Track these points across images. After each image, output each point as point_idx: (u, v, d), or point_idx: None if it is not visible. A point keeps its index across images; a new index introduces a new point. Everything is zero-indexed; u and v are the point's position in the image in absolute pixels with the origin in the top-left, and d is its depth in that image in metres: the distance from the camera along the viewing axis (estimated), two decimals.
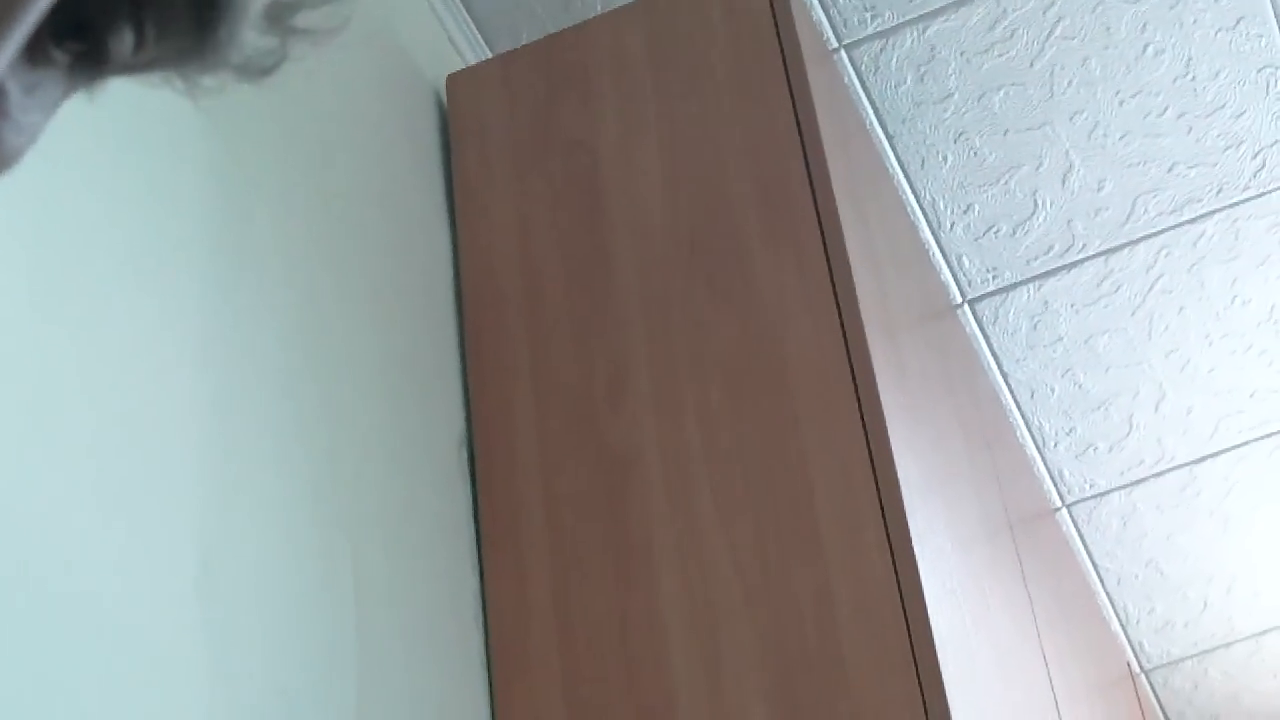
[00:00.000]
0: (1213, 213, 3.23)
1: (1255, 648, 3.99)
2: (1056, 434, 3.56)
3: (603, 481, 2.17)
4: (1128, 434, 3.57)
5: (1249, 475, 3.65)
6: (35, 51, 0.50)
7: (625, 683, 2.05)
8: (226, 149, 1.95)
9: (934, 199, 3.16)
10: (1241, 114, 3.08)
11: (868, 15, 2.90)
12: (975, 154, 3.10)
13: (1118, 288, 3.33)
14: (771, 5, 2.45)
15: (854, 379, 2.12)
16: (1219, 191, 3.20)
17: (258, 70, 0.59)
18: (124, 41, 0.51)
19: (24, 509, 1.45)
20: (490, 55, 2.82)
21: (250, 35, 0.53)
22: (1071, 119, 3.06)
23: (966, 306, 3.33)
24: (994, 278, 3.29)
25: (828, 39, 2.91)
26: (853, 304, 2.16)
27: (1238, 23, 2.95)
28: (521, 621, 2.13)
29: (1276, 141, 3.13)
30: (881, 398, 2.10)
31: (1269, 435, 3.59)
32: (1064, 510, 3.69)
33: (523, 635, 2.12)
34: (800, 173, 2.28)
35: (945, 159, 3.10)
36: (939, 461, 2.34)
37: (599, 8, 2.83)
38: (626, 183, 2.37)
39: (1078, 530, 3.73)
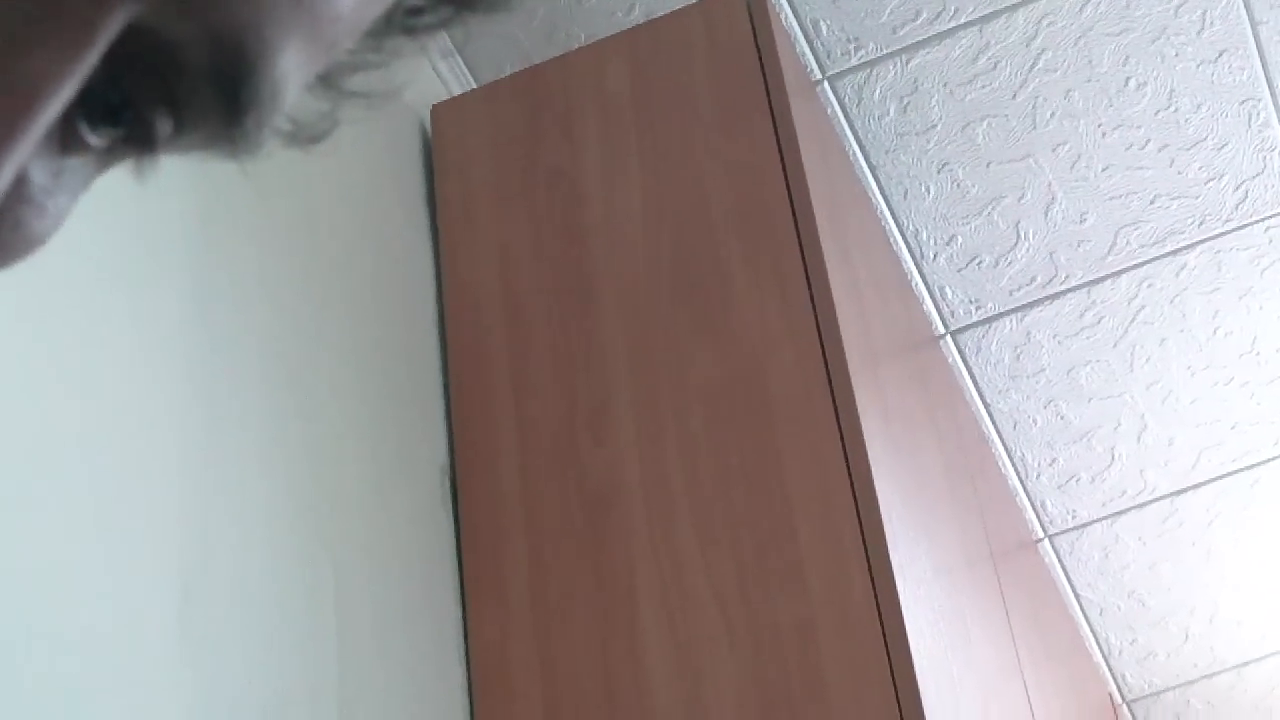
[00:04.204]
0: (1195, 245, 3.24)
1: (1237, 679, 3.99)
2: (1039, 465, 3.56)
3: (584, 512, 2.17)
4: (1110, 465, 3.57)
5: (1230, 507, 3.66)
6: (67, 136, 0.49)
7: (608, 714, 2.04)
8: (209, 176, 1.95)
9: (917, 230, 3.16)
10: (1223, 146, 3.09)
11: (851, 47, 2.90)
12: (958, 185, 3.10)
13: (1100, 319, 3.33)
14: (754, 36, 2.45)
15: (836, 410, 2.12)
16: (1201, 224, 3.20)
17: (308, 137, 0.59)
18: (164, 128, 0.51)
19: (4, 536, 1.44)
20: (474, 86, 2.82)
21: (281, 122, 0.52)
22: (1054, 151, 3.07)
23: (949, 337, 3.34)
24: (976, 309, 3.30)
25: (811, 70, 2.91)
26: (835, 335, 2.17)
27: (1219, 56, 2.96)
28: (503, 653, 2.13)
29: (1258, 174, 3.13)
30: (864, 429, 2.10)
31: (1250, 467, 3.59)
32: (1046, 541, 3.70)
33: (504, 666, 2.12)
34: (783, 203, 2.29)
35: (928, 190, 3.10)
36: (921, 493, 2.34)
37: (582, 39, 2.83)
38: (609, 213, 2.37)
39: (1060, 561, 3.73)
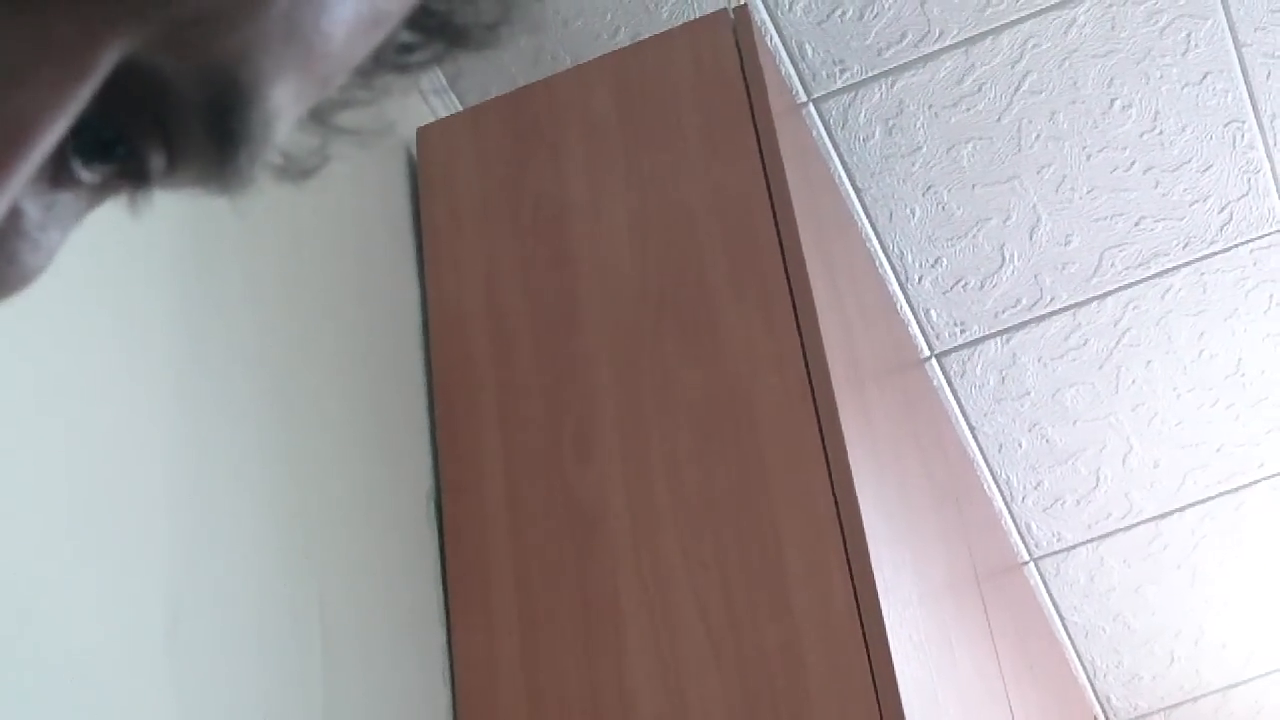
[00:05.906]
0: (1180, 266, 3.24)
1: (1222, 701, 3.99)
2: (1024, 487, 3.56)
3: (570, 535, 2.17)
4: (1095, 487, 3.57)
5: (1216, 529, 3.66)
6: (60, 171, 0.49)
7: None
8: (195, 199, 1.94)
9: (902, 252, 3.16)
10: (1208, 168, 3.09)
11: (836, 69, 2.91)
12: (943, 207, 3.10)
13: (1085, 341, 3.33)
14: (740, 59, 2.45)
15: (821, 433, 2.12)
16: (1186, 245, 3.21)
17: (299, 172, 0.59)
18: (157, 164, 0.51)
19: None
20: (460, 108, 2.82)
21: (274, 158, 0.52)
22: (1039, 173, 3.07)
23: (934, 360, 3.34)
24: (962, 331, 3.30)
25: (796, 93, 2.91)
26: (820, 358, 2.16)
27: (1204, 77, 2.97)
28: (489, 676, 2.12)
29: (1243, 195, 3.14)
30: (849, 452, 2.10)
31: (1236, 489, 3.59)
32: (1031, 564, 3.69)
33: (490, 690, 2.11)
34: (768, 226, 2.29)
35: (913, 212, 3.10)
36: (906, 515, 2.34)
37: (568, 61, 2.83)
38: (595, 236, 2.37)
39: (1045, 584, 3.72)
